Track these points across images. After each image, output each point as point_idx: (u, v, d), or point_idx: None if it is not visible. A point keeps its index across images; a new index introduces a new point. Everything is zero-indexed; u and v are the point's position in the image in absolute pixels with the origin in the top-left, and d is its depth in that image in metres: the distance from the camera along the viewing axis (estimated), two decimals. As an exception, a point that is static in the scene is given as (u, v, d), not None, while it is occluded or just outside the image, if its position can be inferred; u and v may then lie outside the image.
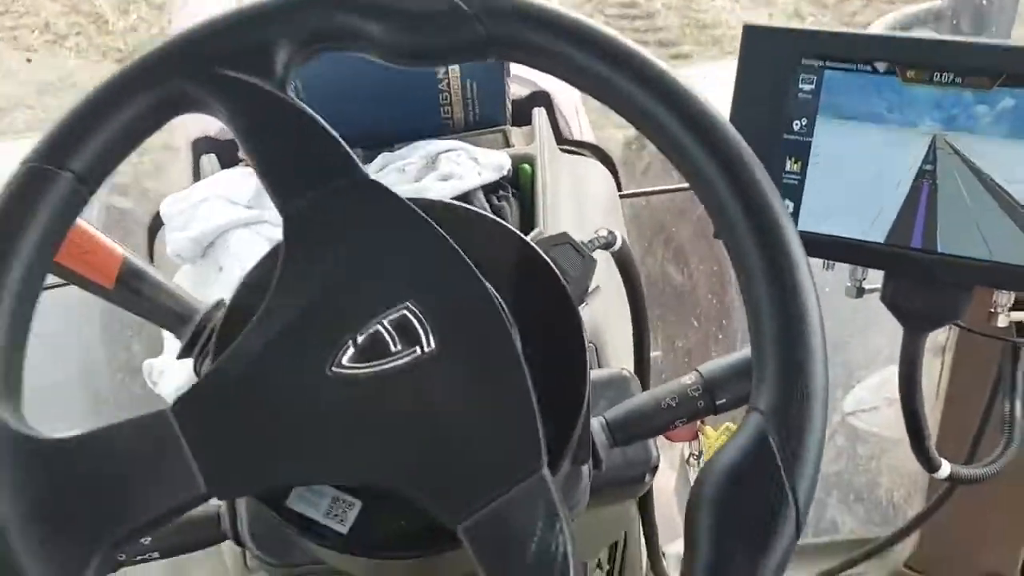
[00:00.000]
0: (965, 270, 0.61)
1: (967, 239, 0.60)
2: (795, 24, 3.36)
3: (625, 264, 0.75)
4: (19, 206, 0.43)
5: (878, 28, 0.97)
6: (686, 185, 0.46)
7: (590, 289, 0.57)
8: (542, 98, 0.98)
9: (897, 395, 0.72)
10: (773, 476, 0.40)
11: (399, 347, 0.43)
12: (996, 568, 1.19)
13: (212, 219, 0.78)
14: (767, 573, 0.39)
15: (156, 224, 0.92)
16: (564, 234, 0.56)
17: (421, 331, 0.43)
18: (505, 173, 0.85)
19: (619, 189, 1.07)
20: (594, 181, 1.02)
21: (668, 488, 1.28)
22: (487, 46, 0.46)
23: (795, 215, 0.64)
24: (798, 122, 0.63)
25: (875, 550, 1.15)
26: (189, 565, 0.73)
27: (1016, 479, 0.97)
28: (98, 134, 0.44)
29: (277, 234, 0.77)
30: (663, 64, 0.45)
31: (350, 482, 0.46)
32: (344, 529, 0.47)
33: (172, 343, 0.75)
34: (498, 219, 0.54)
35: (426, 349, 0.43)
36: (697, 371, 0.57)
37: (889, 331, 0.69)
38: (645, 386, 0.78)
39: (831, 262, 0.65)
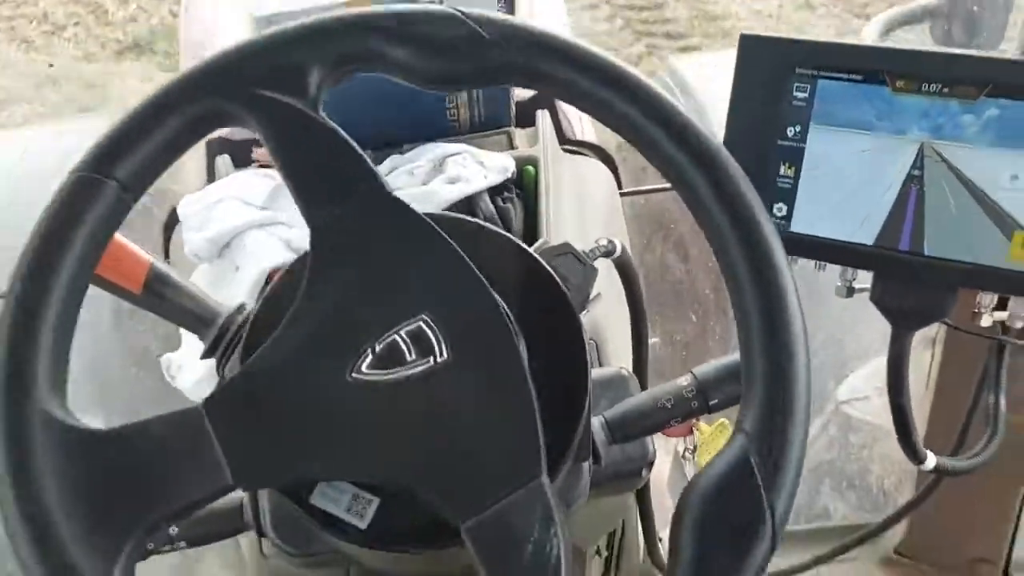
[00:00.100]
0: (950, 272, 0.62)
1: (952, 242, 0.61)
2: (805, 13, 3.30)
3: (625, 270, 0.77)
4: (69, 212, 0.46)
5: (875, 25, 0.97)
6: None
7: (591, 296, 0.59)
8: (545, 100, 1.00)
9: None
10: (753, 494, 0.43)
11: (414, 356, 0.46)
12: (983, 554, 1.20)
13: (228, 220, 0.79)
14: None
15: (172, 221, 0.93)
16: (566, 244, 0.59)
17: (435, 342, 0.46)
18: (510, 175, 0.86)
19: (619, 187, 1.08)
20: (595, 180, 1.03)
21: (664, 478, 1.30)
22: (506, 73, 0.48)
23: (788, 218, 0.65)
24: (792, 128, 0.64)
25: (866, 536, 1.17)
26: (205, 551, 0.75)
27: (1002, 469, 0.99)
28: (142, 146, 0.47)
29: (291, 235, 0.79)
30: (671, 99, 0.48)
31: (364, 479, 0.49)
32: (363, 524, 0.50)
33: (189, 337, 0.77)
34: (505, 233, 0.56)
35: (439, 359, 0.46)
36: (692, 373, 0.59)
37: (879, 326, 0.70)
38: (643, 385, 0.80)
39: (823, 263, 0.66)
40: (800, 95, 0.63)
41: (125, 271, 0.57)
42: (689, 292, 1.46)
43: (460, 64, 0.48)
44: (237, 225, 0.79)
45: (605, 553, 0.96)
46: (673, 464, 1.24)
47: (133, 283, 0.57)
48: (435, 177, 0.83)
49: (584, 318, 0.55)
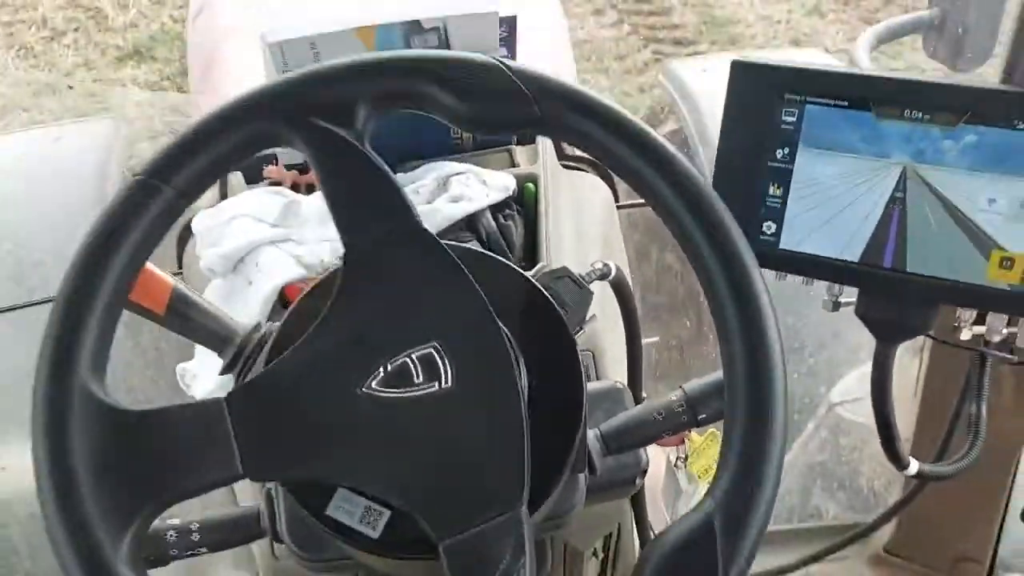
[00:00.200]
0: (931, 289, 0.64)
1: (933, 261, 0.64)
2: (815, 19, 3.25)
3: (620, 289, 0.80)
4: (129, 210, 0.49)
5: (868, 37, 0.99)
6: None
7: (587, 318, 0.62)
8: None
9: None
10: (709, 559, 0.46)
11: (421, 379, 0.49)
12: (969, 553, 1.22)
13: (242, 236, 0.82)
14: None
15: (185, 235, 0.96)
16: (564, 268, 0.62)
17: (443, 369, 0.50)
18: (511, 193, 0.89)
19: (616, 200, 1.11)
20: (593, 195, 1.06)
21: (658, 482, 1.33)
22: (540, 125, 0.52)
23: (777, 235, 0.67)
24: (781, 150, 0.66)
25: (857, 536, 1.19)
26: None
27: (987, 472, 1.02)
28: (199, 157, 0.51)
29: (301, 251, 0.82)
30: (689, 164, 0.51)
31: (357, 486, 0.52)
32: (375, 534, 0.53)
33: (202, 348, 0.79)
34: (507, 262, 0.59)
35: (444, 385, 0.49)
36: (682, 388, 0.62)
37: (867, 334, 0.72)
38: (637, 398, 0.83)
39: (810, 279, 0.69)
40: (789, 119, 0.66)
41: (151, 293, 0.60)
42: (685, 297, 1.49)
43: (500, 113, 0.52)
44: (251, 241, 0.81)
45: (602, 554, 0.99)
46: (666, 471, 1.27)
47: (157, 304, 0.60)
48: (439, 195, 0.86)
49: (581, 336, 0.58)
